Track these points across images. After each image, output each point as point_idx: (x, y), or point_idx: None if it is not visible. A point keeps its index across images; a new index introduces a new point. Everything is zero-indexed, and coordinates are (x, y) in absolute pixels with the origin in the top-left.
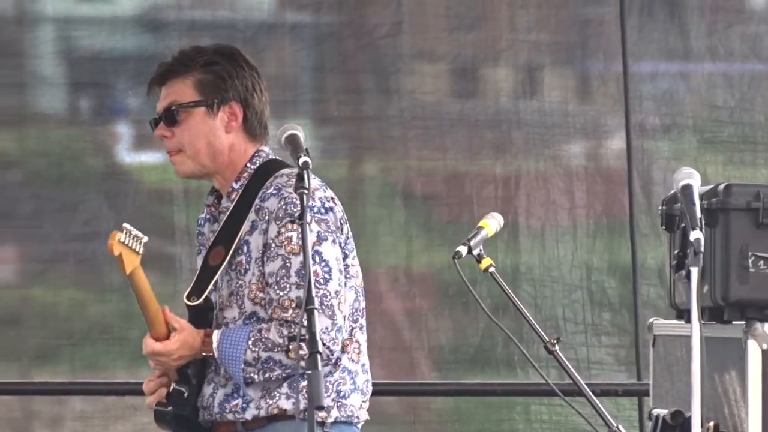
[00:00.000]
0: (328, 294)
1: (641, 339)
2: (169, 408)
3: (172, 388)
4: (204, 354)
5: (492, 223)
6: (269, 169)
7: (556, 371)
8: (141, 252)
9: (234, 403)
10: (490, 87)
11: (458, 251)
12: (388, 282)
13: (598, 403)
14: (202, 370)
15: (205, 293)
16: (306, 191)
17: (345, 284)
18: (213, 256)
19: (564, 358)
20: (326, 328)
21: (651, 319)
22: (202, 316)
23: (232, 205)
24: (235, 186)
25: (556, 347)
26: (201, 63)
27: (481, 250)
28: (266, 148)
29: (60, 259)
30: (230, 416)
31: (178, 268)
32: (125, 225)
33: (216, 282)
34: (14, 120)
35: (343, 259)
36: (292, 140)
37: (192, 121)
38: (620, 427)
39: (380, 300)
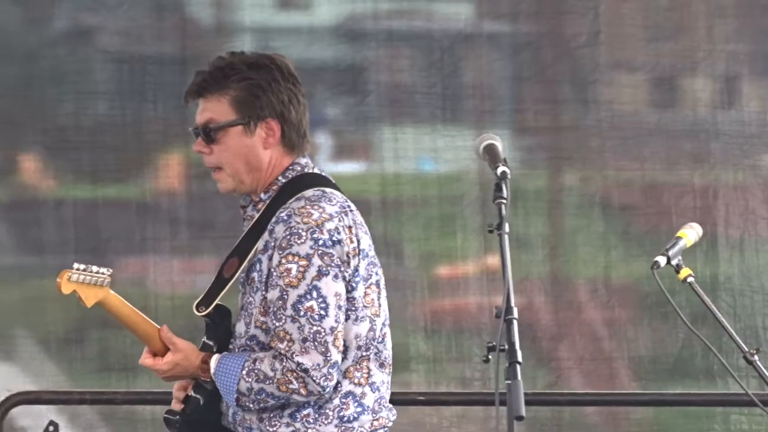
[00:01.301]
0: (321, 331)
1: None
2: (177, 417)
3: (189, 394)
4: (202, 379)
5: (690, 234)
6: (297, 185)
7: (756, 381)
8: (104, 284)
9: (240, 417)
10: (688, 97)
11: (657, 261)
12: (587, 292)
13: None
14: None
15: (213, 304)
16: (504, 201)
17: (350, 317)
18: (227, 267)
19: (764, 369)
20: (318, 365)
21: None
22: (218, 325)
23: (256, 216)
24: (263, 197)
25: (755, 357)
26: (236, 79)
27: (679, 261)
28: (303, 160)
29: None
30: (240, 429)
31: None
32: (75, 264)
33: (239, 291)
34: None
35: (350, 291)
36: (490, 150)
37: (230, 141)
38: None
39: (580, 310)
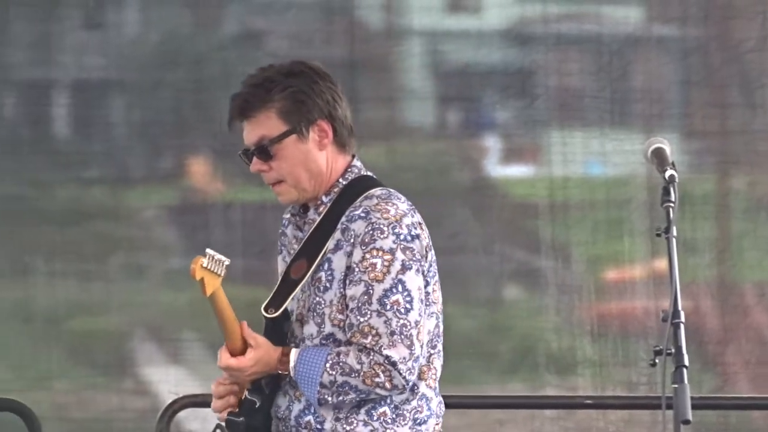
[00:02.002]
0: (408, 324)
1: None
2: (242, 418)
3: (244, 396)
4: (279, 372)
5: None
6: (360, 186)
7: None
8: (222, 274)
9: (307, 419)
10: None
11: None
12: (754, 296)
13: None
14: (276, 379)
15: (284, 306)
16: (672, 205)
17: (425, 312)
18: (295, 269)
19: None
20: (404, 358)
21: None
22: (279, 327)
23: (319, 219)
24: (324, 199)
25: None
26: (277, 91)
27: None
28: (358, 162)
29: None
30: (306, 431)
31: (544, 283)
32: (208, 250)
33: (295, 295)
34: (384, 133)
35: (425, 287)
36: (658, 153)
37: (286, 152)
38: None
39: (746, 314)
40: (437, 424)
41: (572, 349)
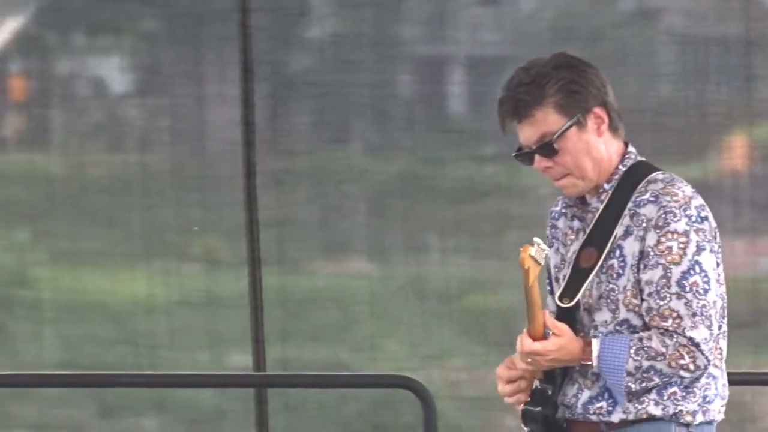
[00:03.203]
0: (707, 304)
1: None
2: (539, 408)
3: (535, 386)
4: (582, 363)
5: None
6: (640, 172)
7: None
8: (543, 263)
9: (598, 405)
10: None
11: None
12: None
13: None
14: (566, 368)
15: (578, 295)
16: None
17: (719, 292)
18: (584, 258)
19: None
20: (705, 339)
21: None
22: (570, 317)
23: (602, 206)
24: (606, 187)
25: None
26: (551, 85)
27: None
28: (633, 148)
29: None
30: (593, 417)
31: None
32: (535, 239)
33: (594, 281)
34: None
35: (716, 267)
36: None
37: (569, 145)
38: None
39: None
40: (722, 406)
41: None
